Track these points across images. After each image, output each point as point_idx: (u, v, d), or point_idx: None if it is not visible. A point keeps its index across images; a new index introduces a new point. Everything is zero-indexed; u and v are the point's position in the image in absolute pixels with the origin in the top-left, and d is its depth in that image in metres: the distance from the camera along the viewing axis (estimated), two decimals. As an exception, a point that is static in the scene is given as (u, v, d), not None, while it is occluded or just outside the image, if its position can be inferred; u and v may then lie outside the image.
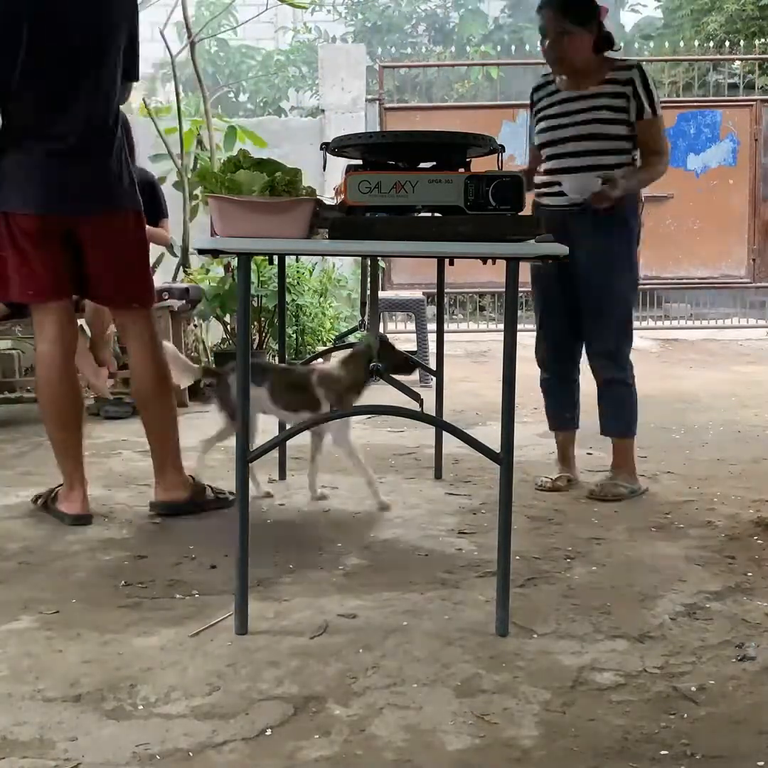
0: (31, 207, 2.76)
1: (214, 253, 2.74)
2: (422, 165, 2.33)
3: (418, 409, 2.37)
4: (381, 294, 4.68)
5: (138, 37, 2.92)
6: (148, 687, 1.89)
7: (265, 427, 3.76)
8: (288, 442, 3.42)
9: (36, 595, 2.37)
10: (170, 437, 3.10)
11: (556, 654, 2.05)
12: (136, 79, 2.98)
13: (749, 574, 2.53)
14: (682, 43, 9.61)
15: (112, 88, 2.84)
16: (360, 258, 4.53)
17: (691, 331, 8.82)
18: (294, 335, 5.78)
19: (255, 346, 5.40)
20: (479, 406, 5.05)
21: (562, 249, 2.11)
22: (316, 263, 6.51)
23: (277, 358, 4.45)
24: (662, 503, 3.23)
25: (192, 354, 5.61)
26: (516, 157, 8.23)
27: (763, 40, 9.46)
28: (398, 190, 2.12)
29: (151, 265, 3.12)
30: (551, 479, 3.41)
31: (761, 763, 1.62)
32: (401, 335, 7.90)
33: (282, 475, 3.55)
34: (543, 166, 3.40)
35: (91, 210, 2.81)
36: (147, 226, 4.51)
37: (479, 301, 9.46)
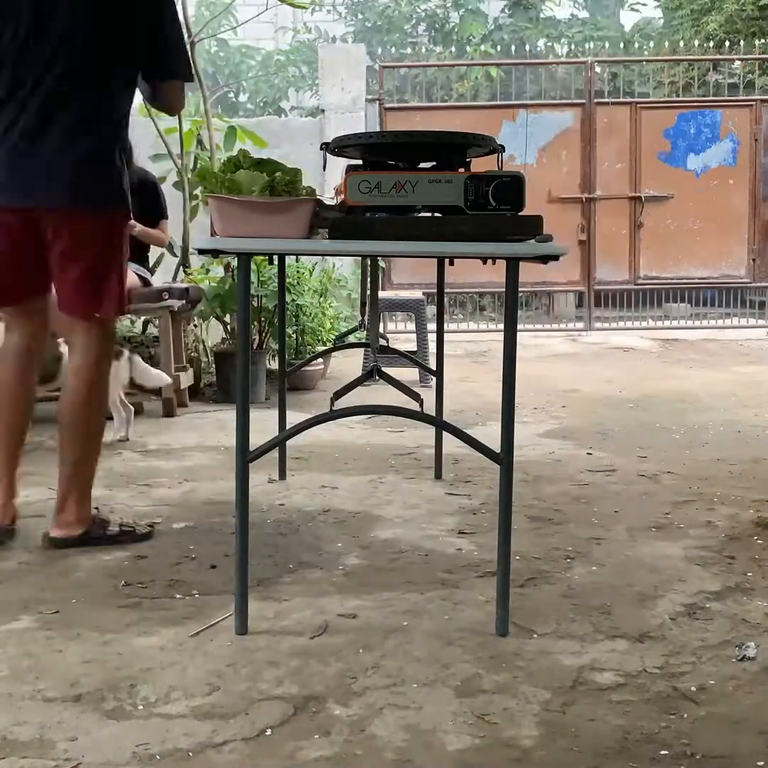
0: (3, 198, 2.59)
1: (214, 253, 2.73)
2: (422, 165, 2.33)
3: (418, 409, 2.37)
4: (381, 294, 4.69)
5: (162, 30, 2.63)
6: (148, 687, 1.89)
7: (265, 426, 3.77)
8: (288, 442, 3.43)
9: (36, 595, 2.37)
10: (84, 474, 2.76)
11: (556, 654, 2.05)
12: (175, 77, 2.69)
13: (749, 574, 2.53)
14: (682, 43, 9.61)
15: (102, 74, 2.59)
16: (360, 258, 4.52)
17: (691, 331, 8.82)
18: (294, 335, 5.77)
19: (255, 346, 5.41)
20: (479, 406, 5.05)
21: (562, 249, 2.11)
22: (316, 263, 6.51)
23: (277, 358, 4.46)
24: (662, 503, 3.23)
25: (192, 354, 5.61)
26: (516, 157, 8.25)
27: (763, 40, 9.46)
28: (398, 190, 2.12)
29: (123, 272, 2.75)
30: None
31: (761, 763, 1.62)
32: (401, 335, 7.91)
33: (282, 475, 3.55)
34: None
35: (51, 201, 2.57)
36: (145, 228, 4.39)
37: (479, 301, 9.46)
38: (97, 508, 2.82)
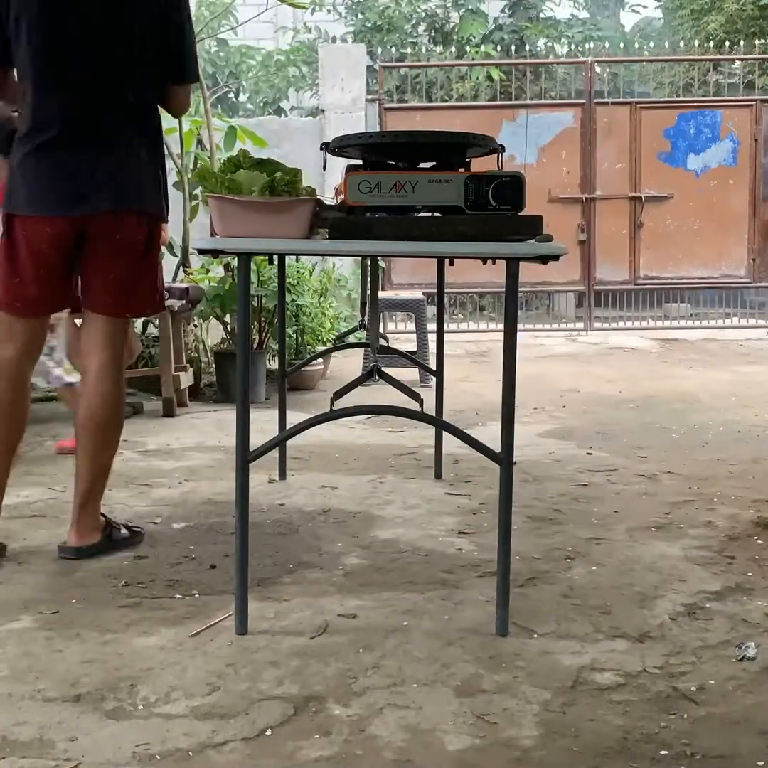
0: (44, 209, 2.55)
1: (214, 253, 2.73)
2: (422, 165, 2.33)
3: (418, 409, 2.37)
4: (381, 294, 4.69)
5: (186, 35, 2.67)
6: (148, 687, 1.89)
7: (265, 426, 3.77)
8: (288, 442, 3.43)
9: (36, 595, 2.37)
10: (104, 479, 2.73)
11: (556, 654, 2.05)
12: (189, 79, 2.73)
13: (749, 574, 2.53)
14: (682, 43, 9.61)
15: (128, 73, 2.60)
16: (360, 258, 4.52)
17: (691, 331, 8.83)
18: (294, 335, 5.77)
19: (255, 346, 5.41)
20: (479, 406, 5.05)
21: (562, 249, 2.11)
22: (316, 263, 6.51)
23: (277, 358, 4.46)
24: (662, 503, 3.23)
25: (192, 354, 5.61)
26: (516, 157, 8.25)
27: (763, 40, 9.46)
28: (398, 190, 2.12)
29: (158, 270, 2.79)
30: None
31: (761, 763, 1.63)
32: (401, 335, 7.91)
33: (282, 475, 3.55)
34: None
35: (98, 207, 2.56)
36: None
37: (479, 301, 9.47)
38: (103, 513, 2.78)
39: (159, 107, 2.72)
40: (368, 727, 1.74)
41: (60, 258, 2.61)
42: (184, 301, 5.04)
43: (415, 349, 5.85)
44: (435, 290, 3.72)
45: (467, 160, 2.38)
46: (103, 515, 2.75)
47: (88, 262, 2.64)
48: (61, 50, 2.54)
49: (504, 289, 2.13)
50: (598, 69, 9.26)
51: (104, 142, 2.59)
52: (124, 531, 2.77)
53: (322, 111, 8.69)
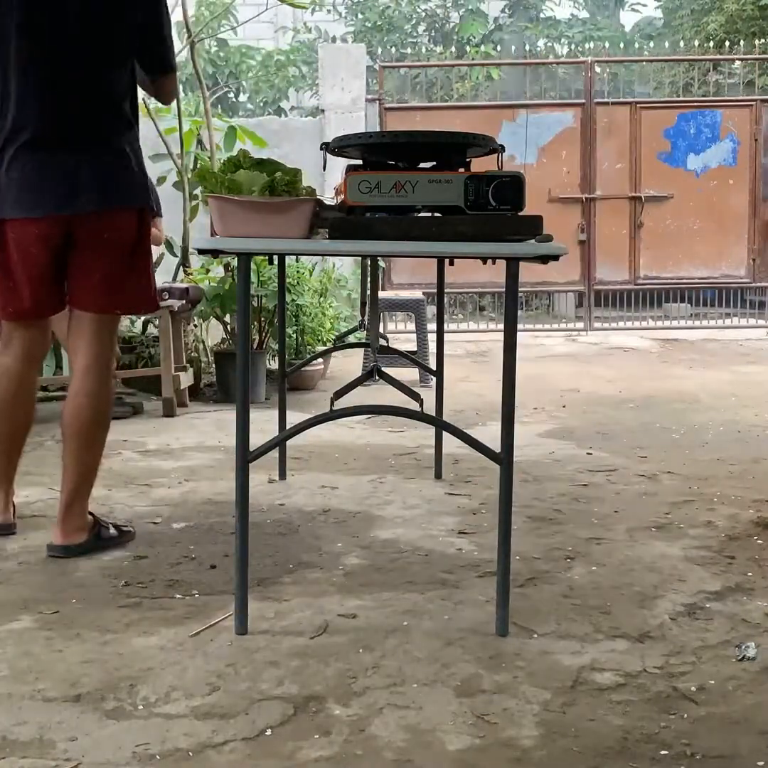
0: (31, 210, 2.55)
1: (214, 253, 2.73)
2: (422, 165, 2.33)
3: (418, 409, 2.37)
4: (381, 294, 4.69)
5: (164, 29, 2.68)
6: (148, 687, 1.89)
7: (265, 426, 3.77)
8: (288, 442, 3.43)
9: (36, 595, 2.37)
10: (91, 478, 2.70)
11: (556, 654, 2.05)
12: (174, 68, 2.75)
13: (749, 574, 2.53)
14: (682, 43, 9.62)
15: (121, 70, 2.62)
16: (360, 258, 4.53)
17: (691, 331, 8.83)
18: (294, 335, 5.77)
19: (255, 346, 5.41)
20: (479, 406, 5.05)
21: (561, 249, 2.11)
22: (316, 263, 6.51)
23: (277, 358, 4.46)
24: (662, 503, 3.23)
25: (192, 354, 5.61)
26: (516, 157, 8.26)
27: (763, 40, 9.46)
28: (398, 190, 2.12)
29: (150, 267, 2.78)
30: None
31: (761, 763, 1.63)
32: (401, 335, 7.91)
33: (282, 475, 3.55)
34: None
35: (85, 207, 2.56)
36: None
37: (479, 301, 9.47)
38: (91, 512, 2.78)
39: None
40: (368, 727, 1.74)
41: (50, 260, 2.60)
42: (184, 301, 5.04)
43: (415, 349, 5.85)
44: (435, 290, 3.72)
45: (467, 160, 2.38)
46: (91, 514, 2.74)
47: (76, 260, 2.62)
48: (61, 49, 2.54)
49: (504, 289, 2.13)
50: (598, 69, 9.26)
51: (98, 140, 2.59)
52: (112, 530, 2.76)
53: (322, 111, 8.69)
